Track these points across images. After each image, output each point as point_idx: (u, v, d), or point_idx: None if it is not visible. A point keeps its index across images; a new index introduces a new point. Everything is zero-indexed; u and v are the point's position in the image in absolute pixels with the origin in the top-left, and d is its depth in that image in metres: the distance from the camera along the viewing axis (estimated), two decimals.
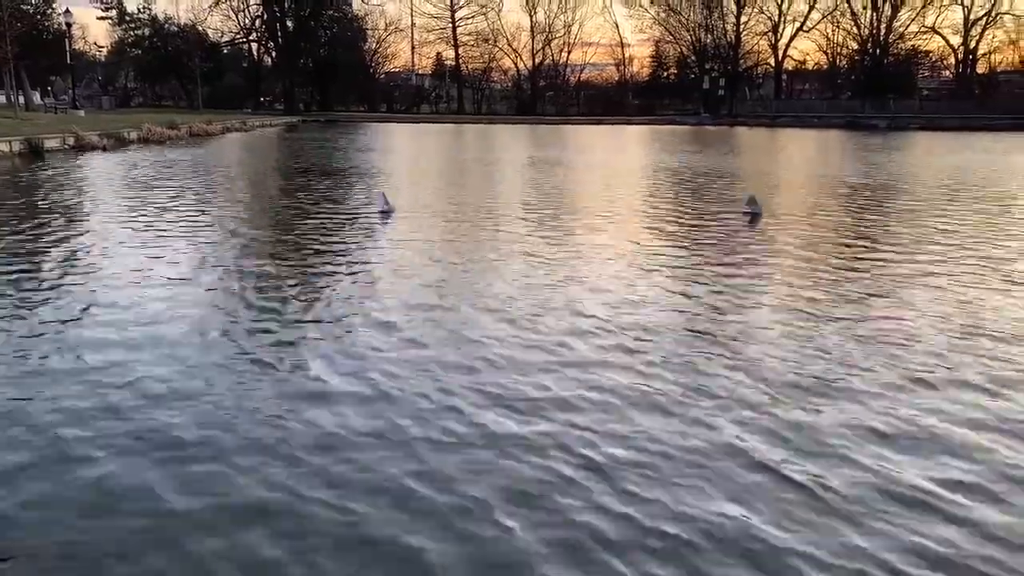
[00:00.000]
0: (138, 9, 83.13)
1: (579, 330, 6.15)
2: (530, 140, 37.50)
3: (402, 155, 30.65)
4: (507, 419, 4.48)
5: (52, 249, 9.37)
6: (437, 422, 4.43)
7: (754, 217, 12.32)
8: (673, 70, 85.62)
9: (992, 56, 79.46)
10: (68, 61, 47.64)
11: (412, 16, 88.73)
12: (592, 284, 7.76)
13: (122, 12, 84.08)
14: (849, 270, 8.63)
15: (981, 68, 78.89)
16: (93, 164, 22.63)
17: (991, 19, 77.05)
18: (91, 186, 16.53)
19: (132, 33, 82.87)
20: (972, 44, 77.99)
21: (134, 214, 12.26)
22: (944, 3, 76.58)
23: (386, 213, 12.50)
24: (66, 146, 27.53)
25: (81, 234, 10.36)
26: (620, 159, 29.43)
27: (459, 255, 9.29)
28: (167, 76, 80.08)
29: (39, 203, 13.60)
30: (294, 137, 43.16)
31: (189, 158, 25.73)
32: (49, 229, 10.76)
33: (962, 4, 77.13)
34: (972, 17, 77.11)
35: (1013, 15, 76.49)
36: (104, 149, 28.48)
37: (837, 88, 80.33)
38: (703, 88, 77.17)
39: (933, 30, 77.35)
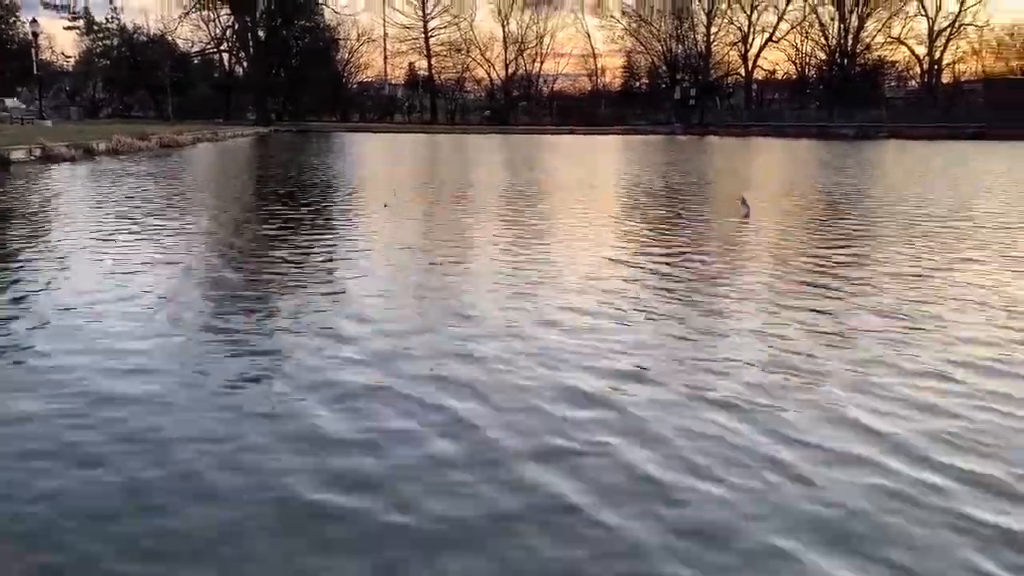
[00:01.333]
0: (106, 19, 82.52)
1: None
2: (506, 157, 37.28)
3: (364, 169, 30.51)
4: None
5: (12, 263, 9.20)
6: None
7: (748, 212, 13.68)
8: (645, 80, 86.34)
9: (956, 66, 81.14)
10: (35, 71, 46.98)
11: (384, 26, 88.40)
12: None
13: (90, 22, 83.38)
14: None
15: (946, 78, 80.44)
16: (61, 176, 22.31)
17: (955, 30, 78.69)
18: (57, 198, 16.25)
19: (100, 43, 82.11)
20: (937, 54, 79.56)
21: (101, 227, 12.07)
22: (909, 15, 78.15)
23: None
24: (33, 157, 27.12)
25: (44, 248, 10.18)
26: (602, 177, 29.54)
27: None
28: (137, 86, 79.35)
29: (3, 216, 13.36)
30: (262, 149, 42.98)
31: (158, 169, 25.46)
32: (11, 242, 10.57)
33: (927, 15, 78.72)
34: (936, 28, 78.69)
35: (975, 26, 78.13)
36: (73, 160, 28.10)
37: (806, 97, 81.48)
38: (674, 98, 77.83)
39: (899, 41, 78.85)
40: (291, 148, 41.22)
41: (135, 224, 12.36)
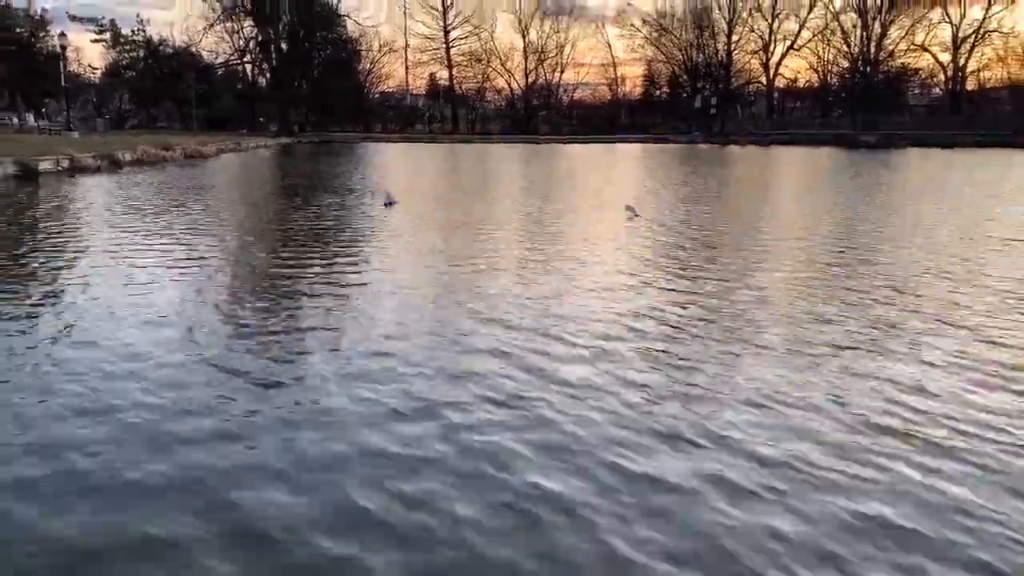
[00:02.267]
0: (132, 32, 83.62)
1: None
2: (529, 174, 37.02)
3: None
4: None
5: (42, 274, 9.34)
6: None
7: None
8: (665, 89, 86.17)
9: (981, 73, 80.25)
10: (63, 83, 47.73)
11: (406, 37, 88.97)
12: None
13: (116, 34, 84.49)
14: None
15: (971, 85, 79.60)
16: (87, 186, 22.64)
17: (979, 37, 77.84)
18: (84, 210, 16.49)
19: (126, 55, 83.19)
20: (961, 61, 78.74)
21: (127, 237, 12.24)
22: (933, 22, 77.41)
23: (389, 204, 16.36)
24: (60, 168, 27.51)
25: (72, 258, 10.33)
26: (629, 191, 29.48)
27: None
28: (162, 98, 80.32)
29: (30, 227, 13.57)
30: (285, 160, 43.40)
31: (184, 180, 25.77)
32: (41, 253, 10.73)
33: (951, 22, 77.97)
34: (961, 35, 77.91)
35: (1000, 32, 77.25)
36: (98, 171, 28.48)
37: (828, 106, 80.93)
38: (695, 107, 77.60)
39: (923, 48, 78.09)
40: (312, 159, 41.52)
41: (169, 238, 12.51)
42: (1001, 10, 75.74)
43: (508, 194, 22.40)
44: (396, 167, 37.67)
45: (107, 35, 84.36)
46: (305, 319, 7.17)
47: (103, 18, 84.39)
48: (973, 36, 77.93)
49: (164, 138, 45.23)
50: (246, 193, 22.15)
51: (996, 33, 77.50)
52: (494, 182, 28.55)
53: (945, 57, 79.45)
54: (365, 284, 8.81)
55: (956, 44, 78.58)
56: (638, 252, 11.24)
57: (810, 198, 22.11)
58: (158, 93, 79.87)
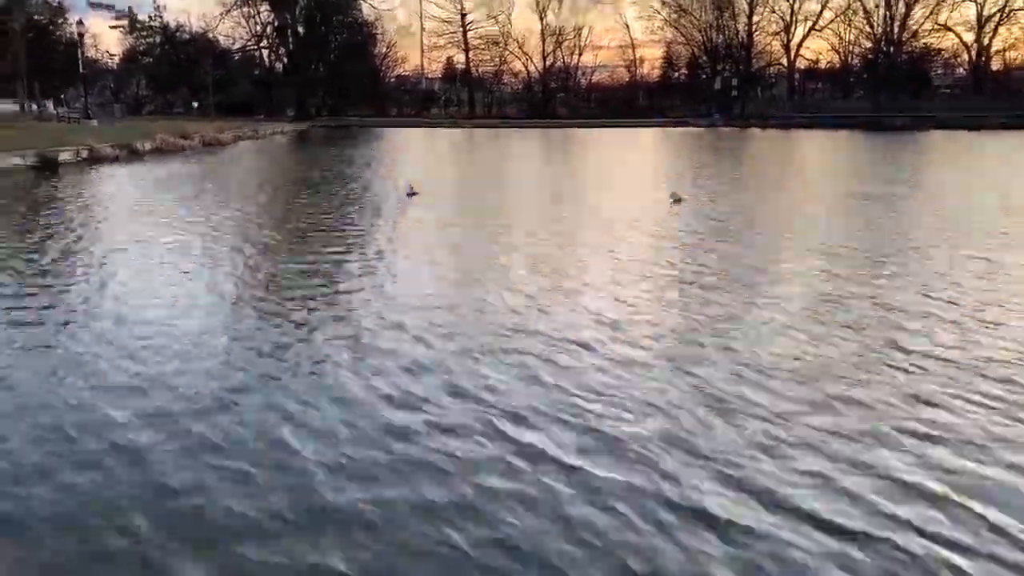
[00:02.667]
0: (149, 17, 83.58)
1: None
2: (554, 166, 35.99)
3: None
4: None
5: (72, 268, 9.23)
6: None
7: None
8: (684, 71, 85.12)
9: (1007, 53, 78.67)
10: (81, 71, 47.70)
11: (422, 20, 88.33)
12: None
13: (133, 20, 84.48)
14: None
15: (996, 65, 78.12)
16: (107, 178, 22.58)
17: (1004, 15, 76.29)
18: (105, 203, 16.39)
19: (144, 41, 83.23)
20: (986, 41, 77.26)
21: (150, 233, 12.09)
22: (957, 1, 75.85)
23: (411, 195, 16.71)
24: (80, 158, 27.49)
25: (103, 252, 10.19)
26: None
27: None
28: (179, 83, 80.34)
29: (52, 221, 13.46)
30: (302, 147, 43.30)
31: (201, 170, 25.68)
32: (67, 248, 10.60)
33: (975, 0, 76.42)
34: (985, 14, 76.38)
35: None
36: (117, 160, 28.46)
37: (850, 87, 79.74)
38: (715, 89, 76.57)
39: (946, 27, 76.60)
40: (329, 146, 41.32)
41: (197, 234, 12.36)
42: None
43: (544, 184, 22.15)
44: (414, 154, 37.45)
45: (125, 21, 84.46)
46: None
47: (120, 3, 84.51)
48: (998, 15, 76.40)
49: (181, 125, 45.14)
50: (262, 188, 21.95)
51: (1022, 12, 75.93)
52: (525, 171, 28.24)
53: (969, 37, 78.00)
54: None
55: (981, 23, 77.06)
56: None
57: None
58: (175, 79, 79.88)
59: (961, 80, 79.99)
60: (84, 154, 27.94)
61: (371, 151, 36.68)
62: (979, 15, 76.50)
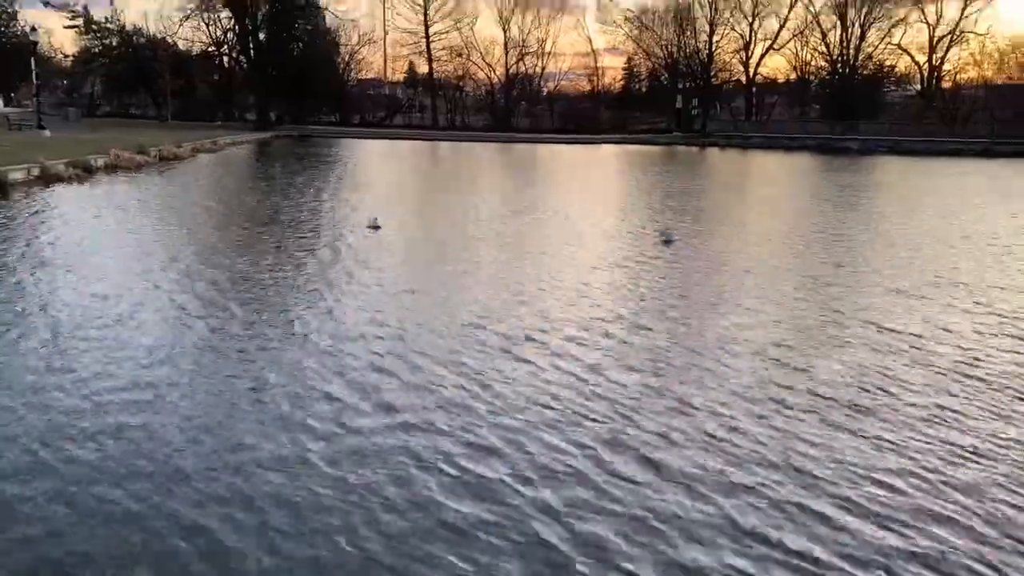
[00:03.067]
0: (105, 19, 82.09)
1: None
2: (525, 187, 35.45)
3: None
4: None
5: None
6: None
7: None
8: (645, 83, 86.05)
9: (958, 74, 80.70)
10: (35, 80, 46.70)
11: (385, 28, 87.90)
12: None
13: (89, 20, 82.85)
14: None
15: (948, 85, 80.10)
16: (59, 201, 22.18)
17: (955, 37, 78.26)
18: (56, 237, 16.05)
19: (99, 42, 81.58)
20: (937, 62, 79.29)
21: (106, 273, 11.88)
22: (910, 23, 77.61)
23: (375, 228, 17.42)
24: (32, 177, 26.87)
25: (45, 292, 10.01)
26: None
27: None
28: (136, 87, 78.99)
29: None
30: (263, 162, 42.96)
31: (156, 194, 25.34)
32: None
33: (927, 23, 78.23)
34: (937, 35, 78.31)
35: (975, 33, 77.66)
36: (71, 180, 27.89)
37: (807, 104, 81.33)
38: (676, 107, 77.33)
39: (899, 47, 78.40)
40: (289, 161, 40.98)
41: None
42: (976, 12, 76.17)
43: (509, 212, 22.21)
44: (378, 174, 37.36)
45: (80, 21, 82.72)
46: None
47: (76, 3, 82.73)
48: (949, 36, 78.35)
49: (137, 134, 44.37)
50: (220, 217, 21.73)
51: (972, 34, 77.99)
52: (487, 195, 28.30)
53: (922, 58, 79.93)
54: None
55: (932, 44, 79.04)
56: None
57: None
58: (131, 81, 78.48)
59: (912, 99, 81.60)
60: (36, 172, 27.29)
61: (332, 172, 36.42)
62: (931, 37, 78.49)
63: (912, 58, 79.95)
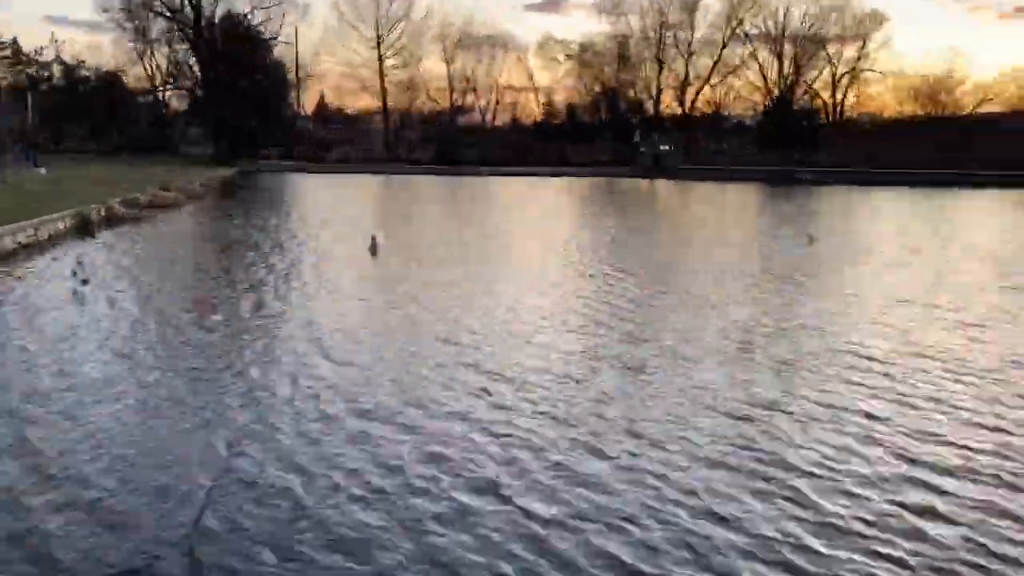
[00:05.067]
0: (35, 51, 79.90)
1: None
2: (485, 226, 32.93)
3: None
4: None
5: None
6: None
7: None
8: (586, 118, 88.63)
9: (857, 109, 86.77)
10: None
11: (336, 64, 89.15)
12: None
13: (17, 51, 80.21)
14: None
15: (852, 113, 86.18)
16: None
17: (854, 75, 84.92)
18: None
19: (33, 74, 79.28)
20: (839, 97, 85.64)
21: None
22: (818, 63, 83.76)
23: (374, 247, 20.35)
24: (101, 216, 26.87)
25: None
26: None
27: None
28: (78, 120, 76.72)
29: None
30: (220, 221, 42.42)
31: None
32: None
33: (830, 61, 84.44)
34: (839, 73, 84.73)
35: (872, 71, 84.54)
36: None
37: (745, 139, 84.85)
38: (619, 141, 80.00)
39: (808, 87, 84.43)
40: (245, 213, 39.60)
41: None
42: (874, 49, 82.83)
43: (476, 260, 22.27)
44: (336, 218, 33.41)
45: (8, 52, 79.89)
46: None
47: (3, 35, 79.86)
48: (847, 75, 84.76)
49: (152, 176, 42.14)
50: None
51: (869, 71, 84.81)
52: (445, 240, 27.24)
53: (826, 94, 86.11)
54: None
55: (835, 82, 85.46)
56: None
57: None
58: (70, 115, 76.22)
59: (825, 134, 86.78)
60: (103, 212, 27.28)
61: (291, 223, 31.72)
62: (833, 75, 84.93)
63: (818, 95, 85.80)
